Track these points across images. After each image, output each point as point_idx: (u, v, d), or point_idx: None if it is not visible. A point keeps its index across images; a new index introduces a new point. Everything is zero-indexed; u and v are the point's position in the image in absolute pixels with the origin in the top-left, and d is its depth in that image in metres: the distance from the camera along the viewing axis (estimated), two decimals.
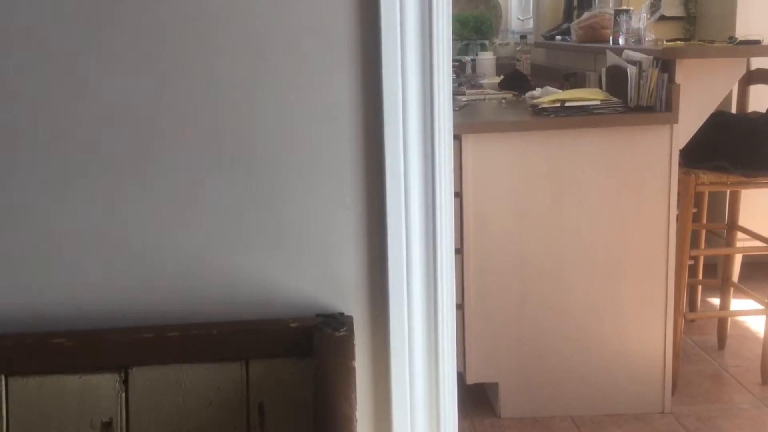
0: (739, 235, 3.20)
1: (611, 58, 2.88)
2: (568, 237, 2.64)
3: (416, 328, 1.28)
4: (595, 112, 2.63)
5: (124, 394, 1.22)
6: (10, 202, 1.21)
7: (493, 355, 2.69)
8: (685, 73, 2.63)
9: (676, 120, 2.59)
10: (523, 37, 4.40)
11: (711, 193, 3.46)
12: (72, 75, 1.19)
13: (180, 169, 1.22)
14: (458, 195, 2.57)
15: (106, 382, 1.21)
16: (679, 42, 3.20)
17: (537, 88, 3.15)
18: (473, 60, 4.41)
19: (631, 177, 2.62)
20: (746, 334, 3.39)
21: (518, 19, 4.93)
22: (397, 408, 1.28)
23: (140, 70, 1.19)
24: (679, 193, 2.72)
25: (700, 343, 3.32)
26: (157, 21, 1.19)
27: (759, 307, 3.01)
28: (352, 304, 1.27)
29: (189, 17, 1.19)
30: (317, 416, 1.06)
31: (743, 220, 3.22)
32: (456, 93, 3.37)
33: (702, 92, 2.71)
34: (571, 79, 3.43)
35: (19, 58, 1.18)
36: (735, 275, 3.41)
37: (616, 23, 3.25)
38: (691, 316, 3.35)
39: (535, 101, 2.79)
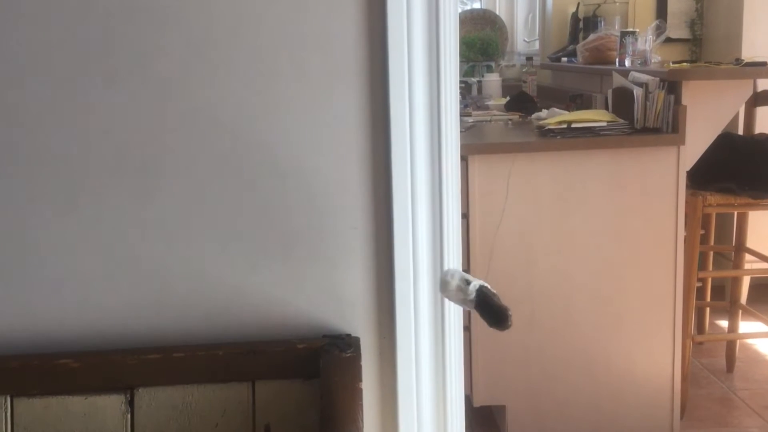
0: (747, 257, 3.18)
1: (617, 80, 2.89)
2: (575, 258, 2.63)
3: (423, 350, 1.27)
4: (601, 133, 2.63)
5: (129, 416, 1.21)
6: (15, 223, 1.21)
7: (501, 377, 2.67)
8: (692, 94, 2.63)
9: (682, 141, 2.59)
10: (529, 58, 4.42)
11: (718, 215, 3.45)
12: (77, 94, 1.19)
13: (186, 189, 1.22)
14: (465, 216, 2.56)
15: (112, 404, 1.21)
16: (685, 64, 3.20)
17: (543, 110, 3.15)
18: (479, 81, 4.42)
19: (638, 199, 2.61)
20: (755, 356, 3.36)
21: (524, 40, 4.95)
22: (404, 430, 1.27)
23: (145, 88, 1.20)
24: (686, 215, 2.71)
25: (709, 365, 3.29)
26: (162, 38, 1.19)
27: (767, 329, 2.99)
28: (360, 325, 1.26)
29: (193, 35, 1.19)
30: None
31: (751, 242, 3.21)
32: (462, 114, 3.37)
33: (709, 114, 2.70)
34: (577, 101, 3.43)
35: (25, 77, 1.19)
36: (743, 297, 3.40)
37: (622, 45, 3.26)
38: (699, 338, 3.33)
39: (541, 122, 2.79)
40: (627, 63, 3.22)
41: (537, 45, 4.65)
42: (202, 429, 1.22)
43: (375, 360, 1.27)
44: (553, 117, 2.81)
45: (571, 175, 2.59)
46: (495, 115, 3.46)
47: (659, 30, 3.28)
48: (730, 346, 3.24)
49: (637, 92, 2.68)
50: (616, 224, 2.62)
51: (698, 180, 2.89)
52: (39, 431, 1.20)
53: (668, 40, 3.71)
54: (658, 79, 2.68)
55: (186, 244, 1.23)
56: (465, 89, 4.33)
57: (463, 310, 1.29)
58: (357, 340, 1.24)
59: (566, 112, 2.96)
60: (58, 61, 1.18)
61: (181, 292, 1.24)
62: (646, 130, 2.67)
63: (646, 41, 3.18)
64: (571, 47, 4.05)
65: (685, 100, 2.61)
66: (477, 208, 2.57)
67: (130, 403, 1.21)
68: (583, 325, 2.66)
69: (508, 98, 3.77)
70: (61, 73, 1.19)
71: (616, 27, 3.86)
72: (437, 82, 1.22)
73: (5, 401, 1.19)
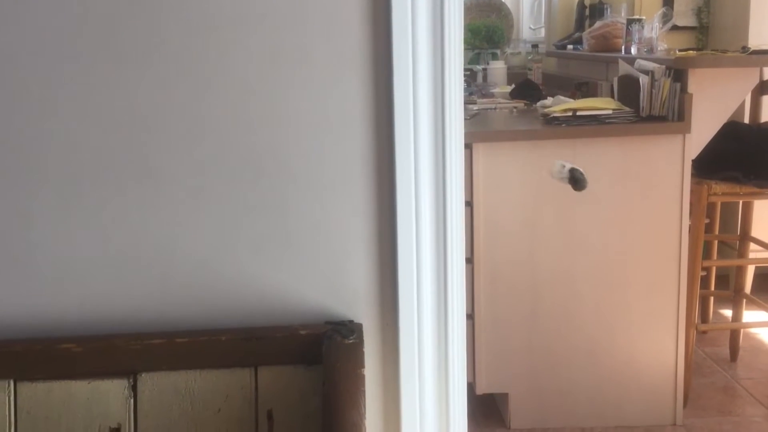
0: (752, 246, 3.18)
1: (623, 68, 2.87)
2: (579, 247, 2.62)
3: (426, 337, 1.27)
4: (607, 121, 2.62)
5: (132, 400, 1.22)
6: (18, 209, 1.21)
7: (503, 365, 2.68)
8: (698, 82, 2.62)
9: (688, 130, 2.58)
10: (535, 46, 4.40)
11: (723, 204, 3.44)
12: (78, 81, 1.19)
13: (189, 175, 1.22)
14: (469, 204, 2.56)
15: (115, 388, 1.21)
16: (691, 51, 3.18)
17: (548, 98, 3.14)
18: (484, 69, 4.40)
19: (643, 187, 2.61)
20: (759, 346, 3.36)
21: (530, 28, 4.92)
22: (407, 417, 1.27)
23: (149, 77, 1.20)
24: (691, 204, 2.70)
25: (712, 355, 3.29)
26: (166, 27, 1.19)
27: None
28: (362, 311, 1.26)
29: (199, 24, 1.19)
30: (326, 424, 1.05)
31: (756, 231, 3.20)
32: (467, 102, 3.36)
33: (715, 102, 2.69)
34: (582, 89, 3.42)
35: (25, 65, 1.18)
36: (747, 287, 3.39)
37: (629, 32, 3.24)
38: (703, 327, 3.33)
39: (546, 110, 2.78)
40: (633, 51, 3.20)
41: (543, 32, 4.64)
42: (204, 414, 1.22)
43: (377, 346, 1.27)
44: (559, 105, 2.80)
45: (575, 163, 2.57)
46: (500, 103, 3.45)
47: (666, 18, 3.26)
48: (734, 335, 3.24)
49: (643, 80, 2.66)
50: (620, 212, 2.61)
51: (703, 168, 2.87)
52: (42, 415, 1.20)
53: (675, 27, 3.68)
54: (664, 66, 2.66)
55: (189, 229, 1.23)
56: (470, 77, 4.31)
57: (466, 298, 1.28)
58: (359, 326, 1.24)
59: (571, 100, 2.95)
60: (59, 49, 1.18)
61: (184, 278, 1.24)
62: (651, 119, 2.66)
63: (653, 29, 3.16)
64: (577, 35, 4.03)
65: (691, 88, 2.60)
66: (481, 196, 2.57)
67: (133, 388, 1.21)
68: (587, 314, 2.66)
69: (513, 86, 3.75)
70: (62, 61, 1.18)
71: (623, 14, 3.84)
72: (441, 69, 1.21)
73: (8, 385, 1.20)
